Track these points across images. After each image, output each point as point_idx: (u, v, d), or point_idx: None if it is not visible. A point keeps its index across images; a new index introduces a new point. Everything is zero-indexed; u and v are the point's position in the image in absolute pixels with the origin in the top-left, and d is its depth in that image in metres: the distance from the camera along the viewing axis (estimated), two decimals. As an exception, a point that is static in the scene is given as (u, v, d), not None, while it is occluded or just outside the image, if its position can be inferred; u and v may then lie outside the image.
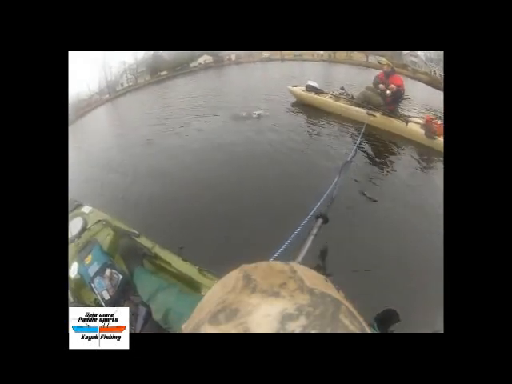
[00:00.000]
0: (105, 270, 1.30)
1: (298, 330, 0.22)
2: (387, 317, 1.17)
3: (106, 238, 1.52)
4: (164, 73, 7.57)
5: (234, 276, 0.28)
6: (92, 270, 1.31)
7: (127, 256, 1.33)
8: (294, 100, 5.51)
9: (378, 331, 1.11)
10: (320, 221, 1.91)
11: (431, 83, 8.43)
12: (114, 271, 1.30)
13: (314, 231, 1.82)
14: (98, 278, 1.29)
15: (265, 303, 0.23)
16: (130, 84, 7.01)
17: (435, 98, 7.49)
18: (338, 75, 6.77)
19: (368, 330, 0.25)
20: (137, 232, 1.56)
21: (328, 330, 0.22)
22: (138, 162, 3.90)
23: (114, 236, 1.53)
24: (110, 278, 1.28)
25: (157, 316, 0.83)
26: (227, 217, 2.65)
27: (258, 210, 2.73)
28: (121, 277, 1.28)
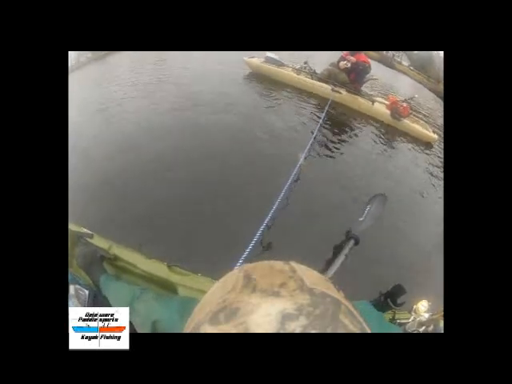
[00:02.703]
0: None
1: (298, 330, 0.22)
2: (395, 291, 1.34)
3: None
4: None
5: (234, 275, 0.28)
6: None
7: (88, 266, 1.11)
8: (247, 72, 4.94)
9: (393, 306, 1.30)
10: (352, 242, 1.96)
11: (381, 61, 8.43)
12: (78, 287, 1.11)
13: (346, 251, 1.87)
14: None
15: (265, 303, 0.23)
16: (73, 63, 6.72)
17: (389, 77, 7.71)
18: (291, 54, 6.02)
19: (368, 330, 0.25)
20: (90, 232, 1.32)
21: (328, 330, 0.22)
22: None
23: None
24: (77, 296, 1.10)
25: (144, 330, 0.70)
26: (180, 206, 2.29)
27: (215, 201, 2.37)
28: (87, 292, 1.10)
